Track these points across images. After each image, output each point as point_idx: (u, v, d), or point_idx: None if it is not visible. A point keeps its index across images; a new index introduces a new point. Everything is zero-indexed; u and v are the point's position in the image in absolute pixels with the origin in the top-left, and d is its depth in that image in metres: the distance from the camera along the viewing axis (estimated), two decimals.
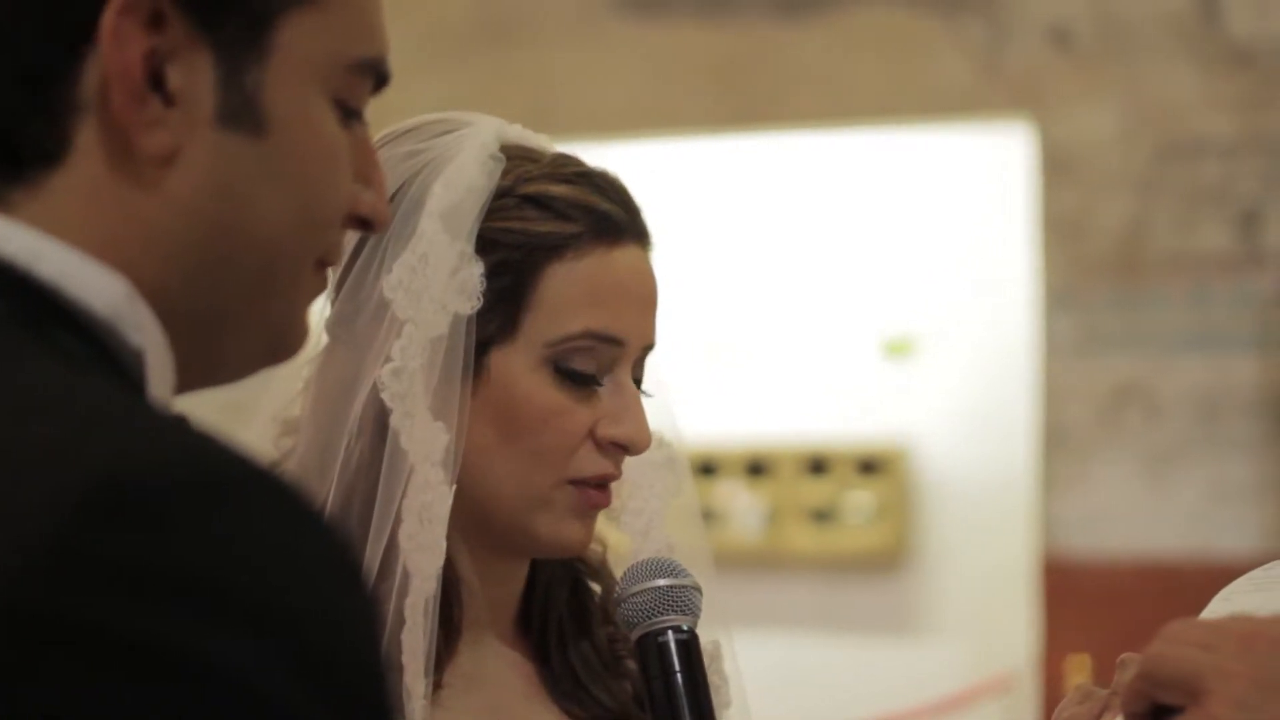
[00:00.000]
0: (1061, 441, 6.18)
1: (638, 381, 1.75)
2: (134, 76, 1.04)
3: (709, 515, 7.42)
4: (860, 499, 7.50)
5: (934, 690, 7.06)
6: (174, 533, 0.90)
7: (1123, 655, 1.32)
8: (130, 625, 0.88)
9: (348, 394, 1.70)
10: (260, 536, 0.92)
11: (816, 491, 7.55)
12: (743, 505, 7.56)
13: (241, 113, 1.07)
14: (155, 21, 1.04)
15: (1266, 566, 1.42)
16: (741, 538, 7.52)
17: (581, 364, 1.70)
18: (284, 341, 1.15)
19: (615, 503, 1.78)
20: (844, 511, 7.53)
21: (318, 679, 0.91)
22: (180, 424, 1.00)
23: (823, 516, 7.55)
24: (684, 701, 1.62)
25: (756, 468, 7.60)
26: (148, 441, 0.95)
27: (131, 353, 1.04)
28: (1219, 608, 1.41)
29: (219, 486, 0.93)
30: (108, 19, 1.03)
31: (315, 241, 1.13)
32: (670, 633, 1.64)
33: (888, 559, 7.49)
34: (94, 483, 0.90)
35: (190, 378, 1.10)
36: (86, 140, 1.05)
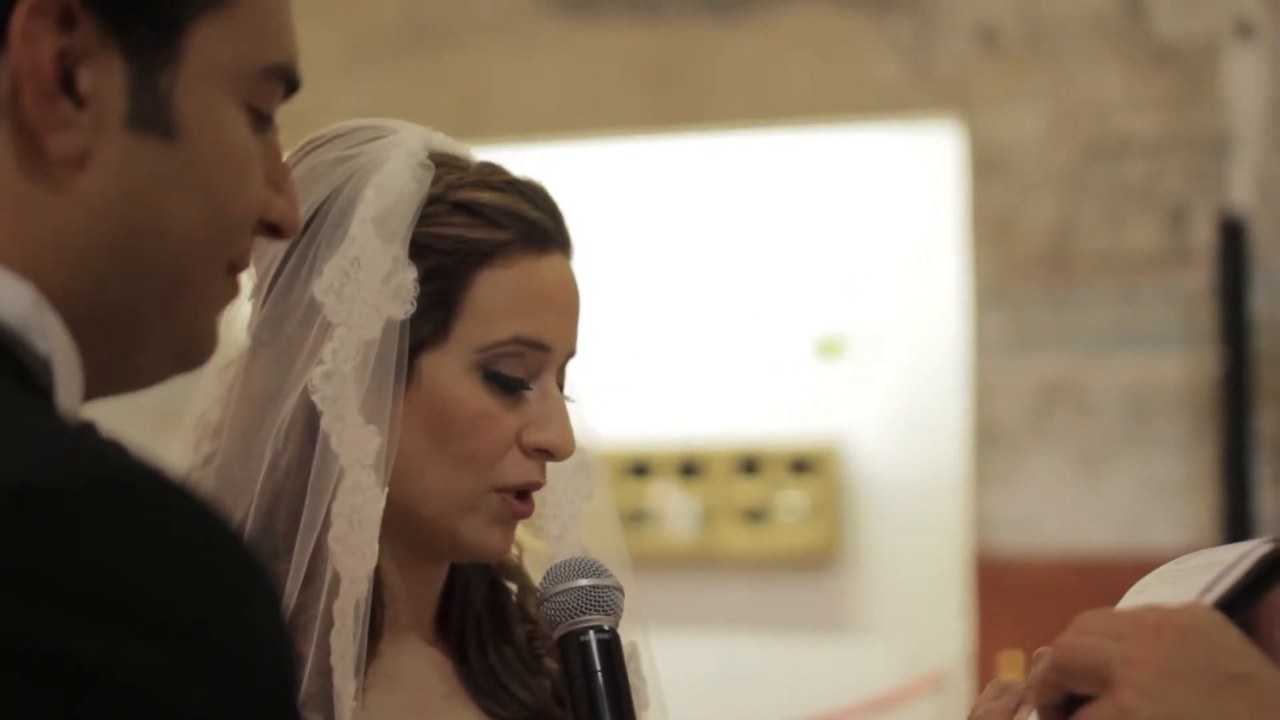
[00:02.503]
0: (993, 440, 6.21)
1: (560, 388, 1.77)
2: (44, 76, 1.03)
3: (642, 516, 7.43)
4: (793, 498, 7.52)
5: (868, 688, 7.08)
6: (76, 540, 0.89)
7: (1039, 649, 1.34)
8: (33, 634, 0.87)
9: (275, 397, 1.70)
10: (163, 543, 0.92)
11: (749, 491, 7.57)
12: (676, 506, 7.57)
13: (153, 116, 1.07)
14: (66, 22, 1.03)
15: (1179, 560, 1.43)
16: (675, 538, 7.53)
17: (510, 369, 1.71)
18: (195, 348, 1.15)
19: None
20: (777, 511, 7.54)
21: (222, 684, 0.91)
22: (86, 431, 1.00)
23: (756, 516, 7.56)
24: (604, 701, 1.63)
25: (689, 468, 7.62)
26: (51, 449, 0.95)
27: (39, 360, 1.03)
28: (1132, 600, 1.42)
29: (121, 493, 0.93)
30: (18, 19, 1.02)
31: (226, 246, 1.13)
32: (592, 632, 1.65)
33: (821, 558, 7.51)
34: None
35: (101, 385, 1.10)
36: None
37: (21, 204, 1.05)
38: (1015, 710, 1.44)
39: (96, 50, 1.05)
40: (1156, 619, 1.22)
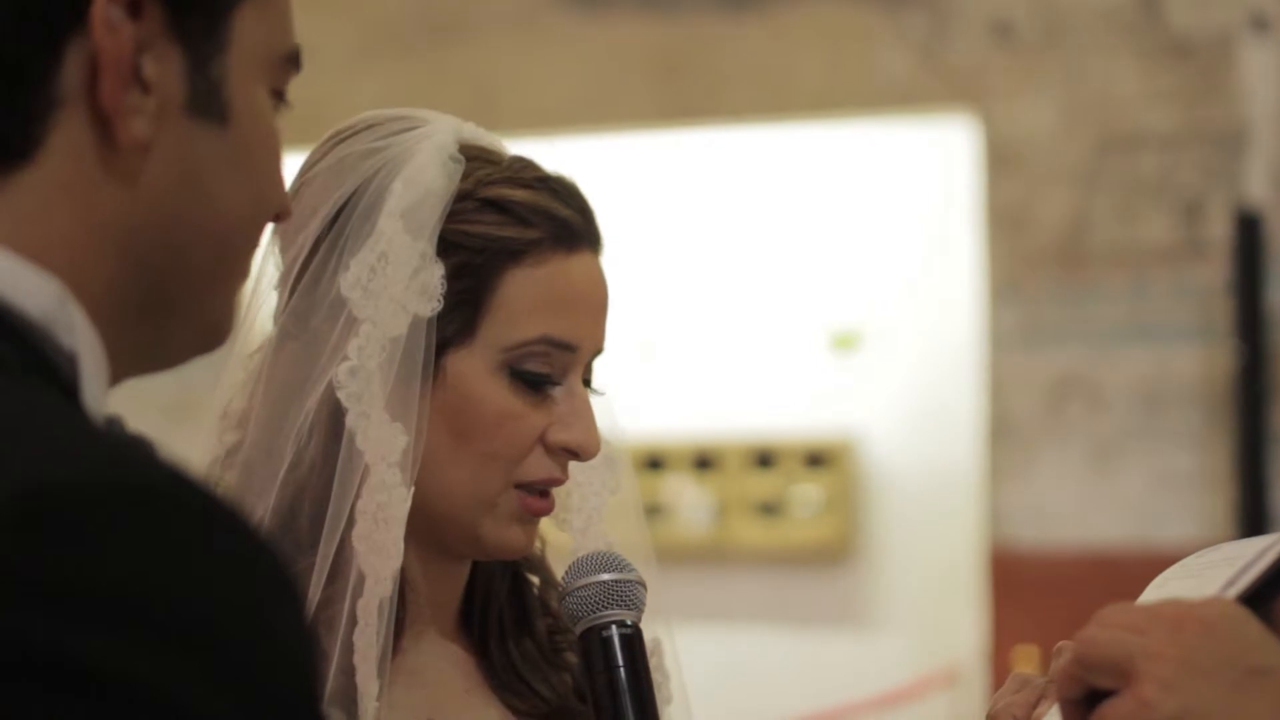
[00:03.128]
0: (1006, 433, 6.20)
1: (587, 383, 1.76)
2: (126, 63, 1.05)
3: (657, 510, 7.42)
4: (808, 492, 7.52)
5: (882, 682, 7.08)
6: (93, 544, 0.89)
7: (1060, 643, 1.34)
8: (47, 638, 0.87)
9: (300, 391, 1.70)
10: (183, 547, 0.92)
11: (764, 485, 7.56)
12: (690, 499, 7.57)
13: (208, 103, 1.09)
14: (134, 11, 1.05)
15: (1199, 553, 1.43)
16: (689, 532, 7.53)
17: (537, 367, 1.70)
18: (218, 330, 1.16)
19: (555, 501, 1.79)
20: (792, 505, 7.54)
21: (239, 689, 0.91)
22: (110, 431, 1.00)
23: (770, 510, 7.55)
24: (627, 696, 1.63)
25: (704, 462, 7.61)
26: (73, 449, 0.94)
27: (64, 355, 1.04)
28: (1153, 594, 1.42)
29: (141, 495, 0.93)
30: (99, 7, 1.04)
31: (260, 231, 1.16)
32: (614, 627, 1.65)
33: (835, 552, 7.51)
34: (16, 493, 0.90)
35: (129, 366, 1.11)
36: (62, 136, 1.05)
37: (80, 195, 1.06)
38: (1036, 704, 1.44)
39: (159, 38, 1.07)
40: (1178, 613, 1.22)
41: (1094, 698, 1.23)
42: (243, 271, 1.16)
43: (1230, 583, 1.31)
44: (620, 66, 6.69)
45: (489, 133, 1.79)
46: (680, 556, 7.28)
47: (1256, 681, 1.19)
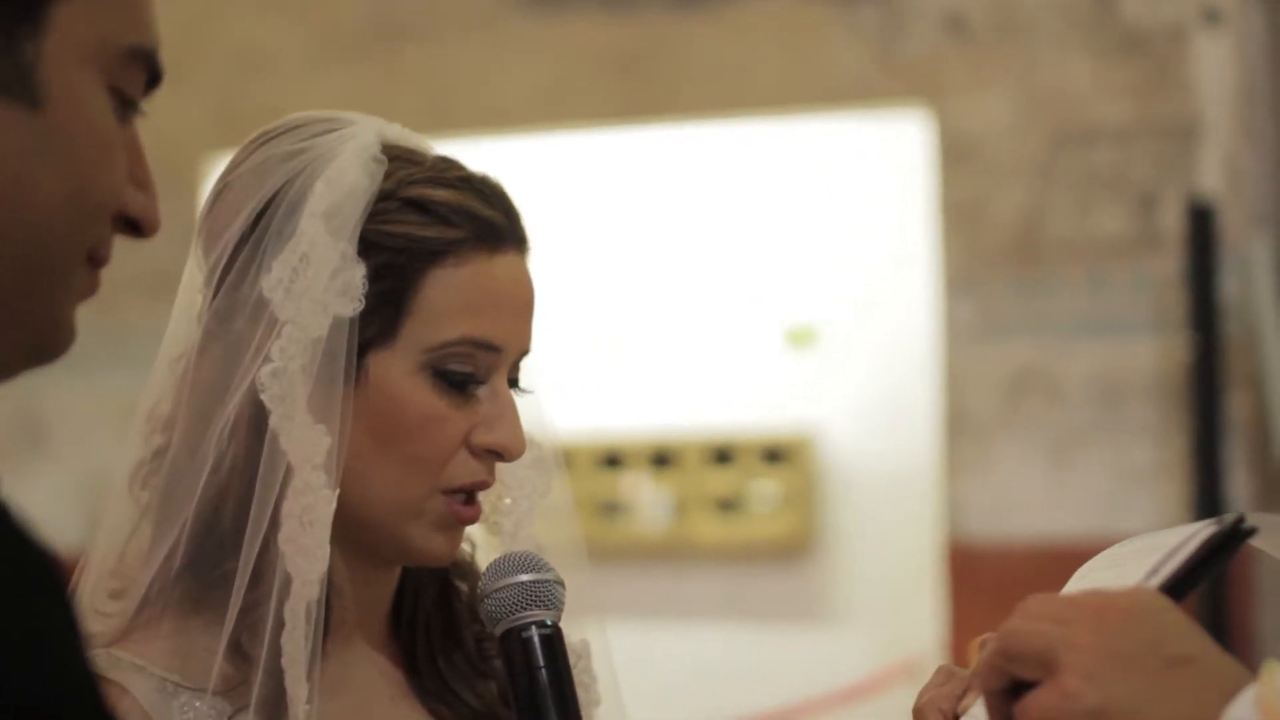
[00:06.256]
0: (964, 427, 6.21)
1: (515, 383, 1.75)
2: None
3: (615, 507, 7.42)
4: (766, 488, 7.52)
5: (842, 677, 7.08)
6: None
7: (983, 636, 1.33)
8: None
9: (223, 393, 1.68)
10: None
11: (722, 481, 7.56)
12: (649, 496, 7.56)
13: (16, 84, 1.05)
14: None
15: (1122, 543, 1.43)
16: (648, 529, 7.52)
17: (459, 367, 1.70)
18: (50, 339, 1.12)
19: (485, 505, 1.78)
20: (750, 501, 7.54)
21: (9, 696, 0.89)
22: None
23: (729, 506, 7.55)
24: (548, 697, 1.62)
25: (662, 459, 7.60)
26: None
27: None
28: (1077, 584, 1.42)
29: None
30: None
31: (85, 230, 1.11)
32: (534, 628, 1.64)
33: (794, 547, 7.51)
34: None
35: None
36: None
37: None
38: (962, 696, 1.44)
39: None
40: (1100, 603, 1.22)
41: (1017, 689, 1.23)
42: (75, 278, 1.11)
43: (1153, 572, 1.31)
44: (576, 65, 6.68)
45: (416, 134, 1.78)
46: (639, 554, 7.29)
47: (1178, 670, 1.19)
